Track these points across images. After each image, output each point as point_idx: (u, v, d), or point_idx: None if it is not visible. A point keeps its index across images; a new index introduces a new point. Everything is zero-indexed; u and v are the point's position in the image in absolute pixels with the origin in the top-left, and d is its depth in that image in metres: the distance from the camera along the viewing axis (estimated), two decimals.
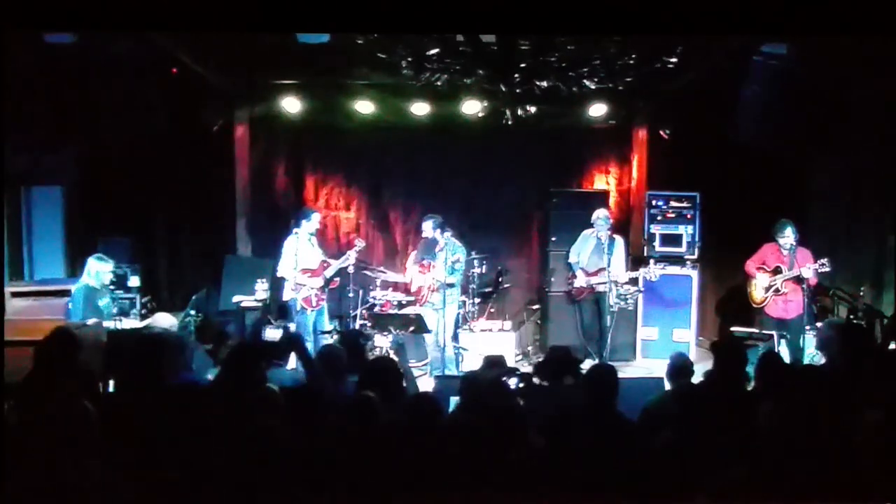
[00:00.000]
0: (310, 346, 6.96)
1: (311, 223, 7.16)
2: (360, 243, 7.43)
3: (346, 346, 4.65)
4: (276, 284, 7.46)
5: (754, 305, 7.05)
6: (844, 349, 4.40)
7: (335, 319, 7.81)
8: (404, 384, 4.00)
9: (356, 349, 4.68)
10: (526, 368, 6.56)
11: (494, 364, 4.89)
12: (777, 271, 6.82)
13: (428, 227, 7.50)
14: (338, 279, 7.27)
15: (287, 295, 7.09)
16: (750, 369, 4.11)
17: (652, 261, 7.97)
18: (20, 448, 2.86)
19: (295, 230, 7.10)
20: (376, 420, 3.07)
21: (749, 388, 4.06)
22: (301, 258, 7.04)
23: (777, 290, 6.82)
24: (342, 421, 3.09)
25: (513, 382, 4.51)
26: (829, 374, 4.38)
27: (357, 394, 3.29)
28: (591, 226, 7.55)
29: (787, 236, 6.76)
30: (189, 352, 4.41)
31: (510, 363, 6.33)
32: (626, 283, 7.50)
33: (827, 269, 6.65)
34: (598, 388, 3.56)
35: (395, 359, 4.78)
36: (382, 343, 7.57)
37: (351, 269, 7.43)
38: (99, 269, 6.26)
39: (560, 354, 5.06)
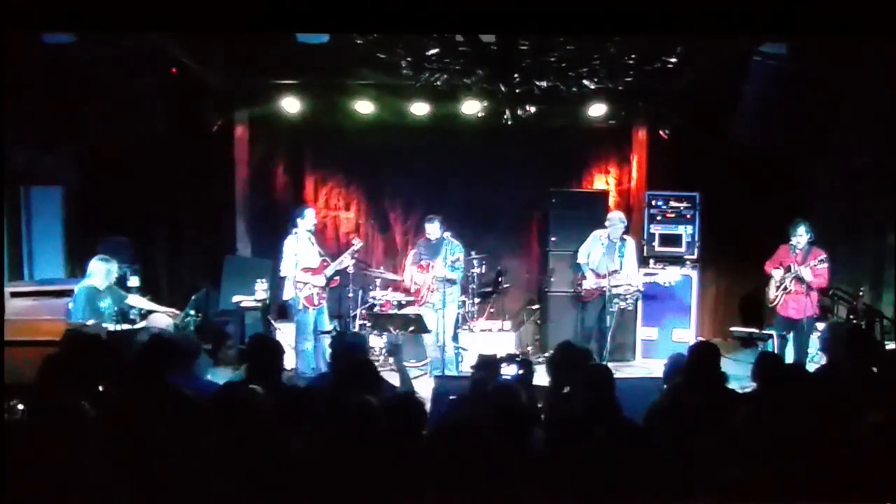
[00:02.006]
0: (310, 345, 6.99)
1: (307, 220, 7.14)
2: (357, 243, 7.41)
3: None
4: (276, 284, 7.46)
5: (769, 305, 7.06)
6: (850, 351, 4.39)
7: (335, 319, 7.81)
8: (381, 381, 3.97)
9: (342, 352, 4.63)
10: None
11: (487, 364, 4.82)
12: (789, 270, 6.83)
13: (434, 229, 7.48)
14: (338, 277, 7.26)
15: (288, 294, 7.09)
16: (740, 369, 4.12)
17: (653, 260, 7.98)
18: (20, 448, 2.85)
19: (294, 230, 7.10)
20: (375, 424, 3.05)
21: (729, 387, 4.06)
22: (302, 257, 7.04)
23: (786, 289, 6.83)
24: (341, 425, 3.08)
25: (512, 370, 4.44)
26: (826, 375, 4.38)
27: (356, 398, 3.28)
28: (598, 226, 7.52)
29: (800, 235, 6.76)
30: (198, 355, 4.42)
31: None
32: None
33: (825, 266, 6.64)
34: (597, 388, 3.57)
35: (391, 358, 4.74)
36: (377, 344, 7.58)
37: (351, 269, 7.43)
38: (107, 269, 6.28)
39: None
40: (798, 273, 6.70)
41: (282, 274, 7.12)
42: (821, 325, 7.16)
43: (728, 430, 3.16)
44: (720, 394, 3.89)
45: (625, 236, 7.42)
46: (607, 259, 7.35)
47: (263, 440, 2.93)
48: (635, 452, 3.14)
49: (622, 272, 7.24)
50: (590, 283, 7.43)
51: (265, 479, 2.84)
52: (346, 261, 7.22)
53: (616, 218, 7.42)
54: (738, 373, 4.73)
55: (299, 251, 7.03)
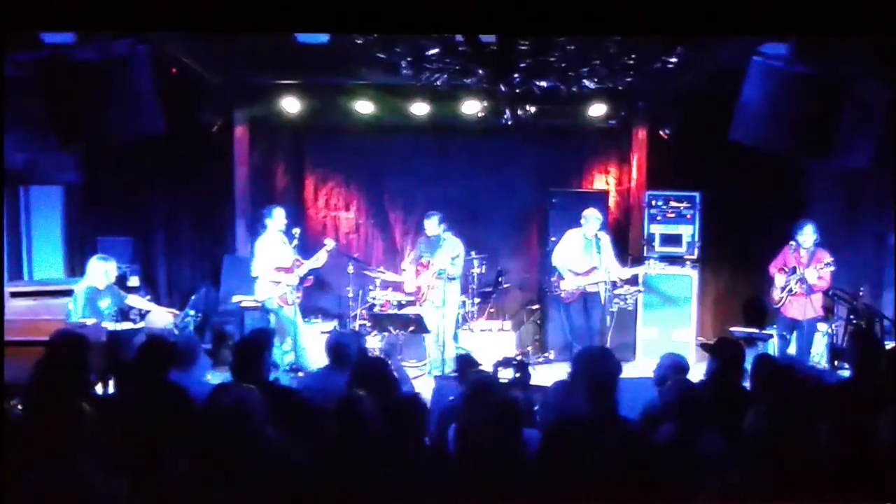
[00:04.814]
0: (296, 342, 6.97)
1: (275, 220, 7.12)
2: (329, 242, 7.37)
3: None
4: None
5: (774, 306, 7.07)
6: (855, 354, 4.38)
7: (335, 319, 7.81)
8: (396, 386, 3.95)
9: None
10: None
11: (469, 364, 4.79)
12: (794, 272, 6.83)
13: (432, 225, 7.48)
14: (312, 276, 7.24)
15: (263, 293, 7.08)
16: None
17: (652, 260, 8.00)
18: (21, 448, 2.85)
19: (263, 230, 7.10)
20: (366, 420, 3.04)
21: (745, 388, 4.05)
22: (274, 256, 7.02)
23: (791, 291, 6.84)
24: (331, 420, 3.07)
25: (509, 373, 4.44)
26: (826, 376, 4.38)
27: (347, 393, 3.27)
28: (598, 226, 7.51)
29: (807, 235, 6.78)
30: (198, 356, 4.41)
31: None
32: (626, 281, 7.48)
33: (832, 269, 6.65)
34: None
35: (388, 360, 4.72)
36: (374, 344, 7.58)
37: (351, 270, 7.42)
38: (106, 269, 6.29)
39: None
40: (803, 276, 6.70)
41: (253, 274, 7.11)
42: (822, 326, 7.19)
43: (732, 431, 3.16)
44: (736, 393, 3.87)
45: (599, 233, 7.39)
46: (586, 257, 7.32)
47: (256, 441, 2.92)
48: (635, 452, 3.14)
49: (601, 268, 7.22)
50: (569, 283, 7.37)
51: (260, 481, 2.84)
52: (321, 259, 7.20)
53: (592, 215, 7.37)
54: None
55: (271, 249, 7.02)
